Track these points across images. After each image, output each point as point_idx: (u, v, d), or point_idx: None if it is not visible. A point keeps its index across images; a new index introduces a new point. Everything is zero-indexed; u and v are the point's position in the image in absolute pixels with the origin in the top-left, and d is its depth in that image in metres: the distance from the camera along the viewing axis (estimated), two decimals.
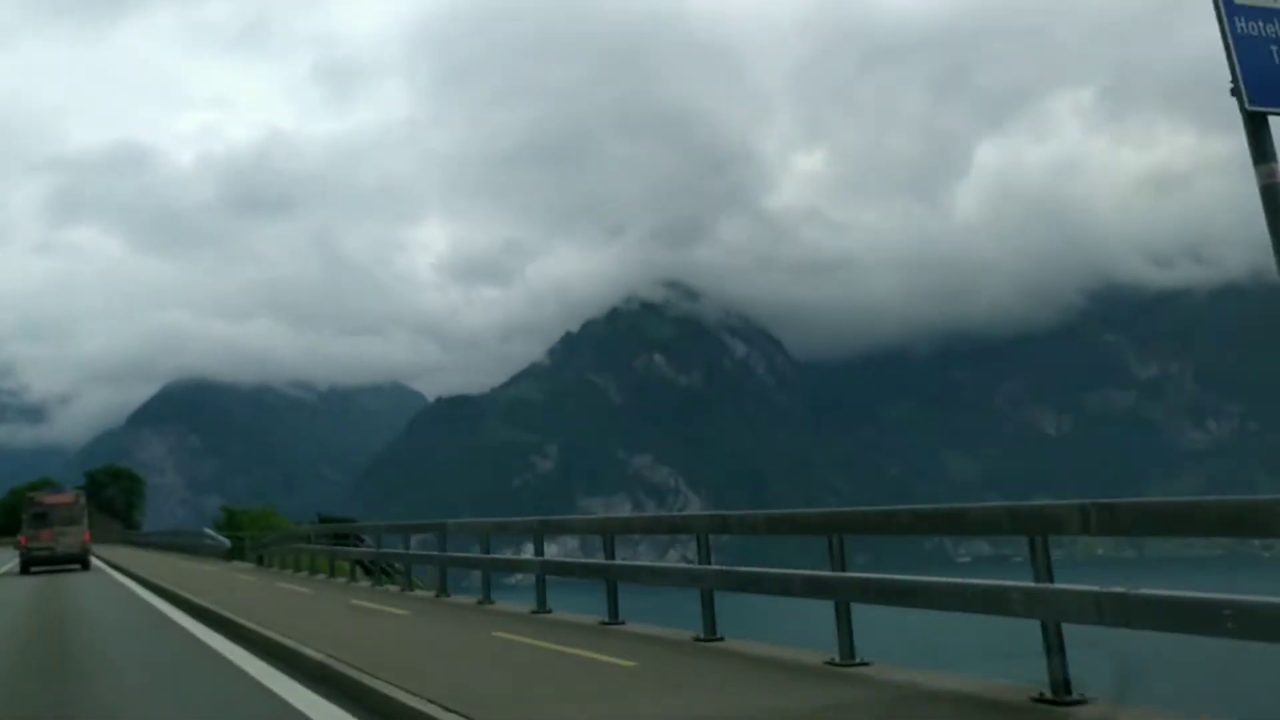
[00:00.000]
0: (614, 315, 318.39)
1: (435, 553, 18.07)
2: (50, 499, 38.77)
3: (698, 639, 10.28)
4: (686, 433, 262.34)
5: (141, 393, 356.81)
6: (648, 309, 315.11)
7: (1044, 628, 6.77)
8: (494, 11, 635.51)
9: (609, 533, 12.96)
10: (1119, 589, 6.27)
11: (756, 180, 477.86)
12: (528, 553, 17.56)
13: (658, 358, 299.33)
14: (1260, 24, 6.42)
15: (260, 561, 32.28)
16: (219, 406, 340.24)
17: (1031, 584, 6.96)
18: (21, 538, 37.04)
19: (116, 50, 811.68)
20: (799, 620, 12.38)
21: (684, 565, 10.75)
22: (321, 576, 24.72)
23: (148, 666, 11.57)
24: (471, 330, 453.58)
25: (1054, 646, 6.74)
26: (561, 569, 15.02)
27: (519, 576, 16.69)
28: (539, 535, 14.62)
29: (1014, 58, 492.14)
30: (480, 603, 15.37)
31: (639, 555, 66.74)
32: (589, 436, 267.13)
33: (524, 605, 14.29)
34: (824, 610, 8.78)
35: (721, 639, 10.21)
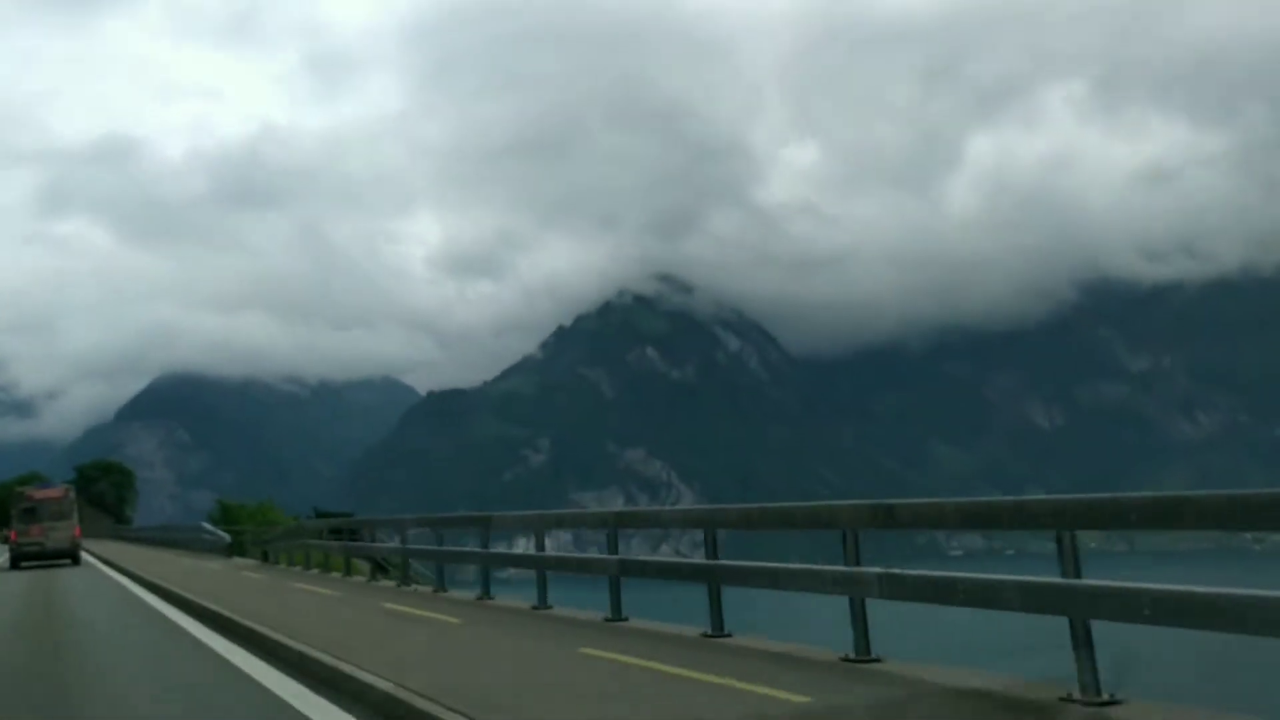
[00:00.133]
0: (606, 309, 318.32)
1: (477, 549, 16.08)
2: (39, 494, 38.44)
3: (847, 658, 8.49)
4: (679, 427, 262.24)
5: (130, 387, 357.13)
6: (640, 303, 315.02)
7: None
8: (485, 3, 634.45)
9: (714, 526, 10.90)
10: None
11: (749, 173, 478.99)
12: (520, 547, 17.37)
13: (650, 351, 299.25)
14: None
15: (265, 558, 30.87)
16: (208, 401, 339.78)
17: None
18: (11, 533, 36.66)
19: (104, 40, 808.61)
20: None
21: (836, 568, 8.88)
22: (336, 575, 23.18)
23: (161, 696, 9.50)
24: (463, 324, 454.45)
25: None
26: (643, 569, 13.09)
27: (511, 570, 16.37)
28: (613, 530, 12.74)
29: (1006, 49, 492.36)
30: (536, 608, 13.40)
31: (632, 550, 66.34)
32: (581, 430, 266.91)
33: (588, 610, 12.65)
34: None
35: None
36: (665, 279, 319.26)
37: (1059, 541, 6.74)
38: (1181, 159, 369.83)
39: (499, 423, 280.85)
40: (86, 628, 15.83)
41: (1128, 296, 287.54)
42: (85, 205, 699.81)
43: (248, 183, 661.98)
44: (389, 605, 15.08)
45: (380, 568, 22.36)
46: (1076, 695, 6.42)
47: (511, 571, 16.43)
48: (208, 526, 42.21)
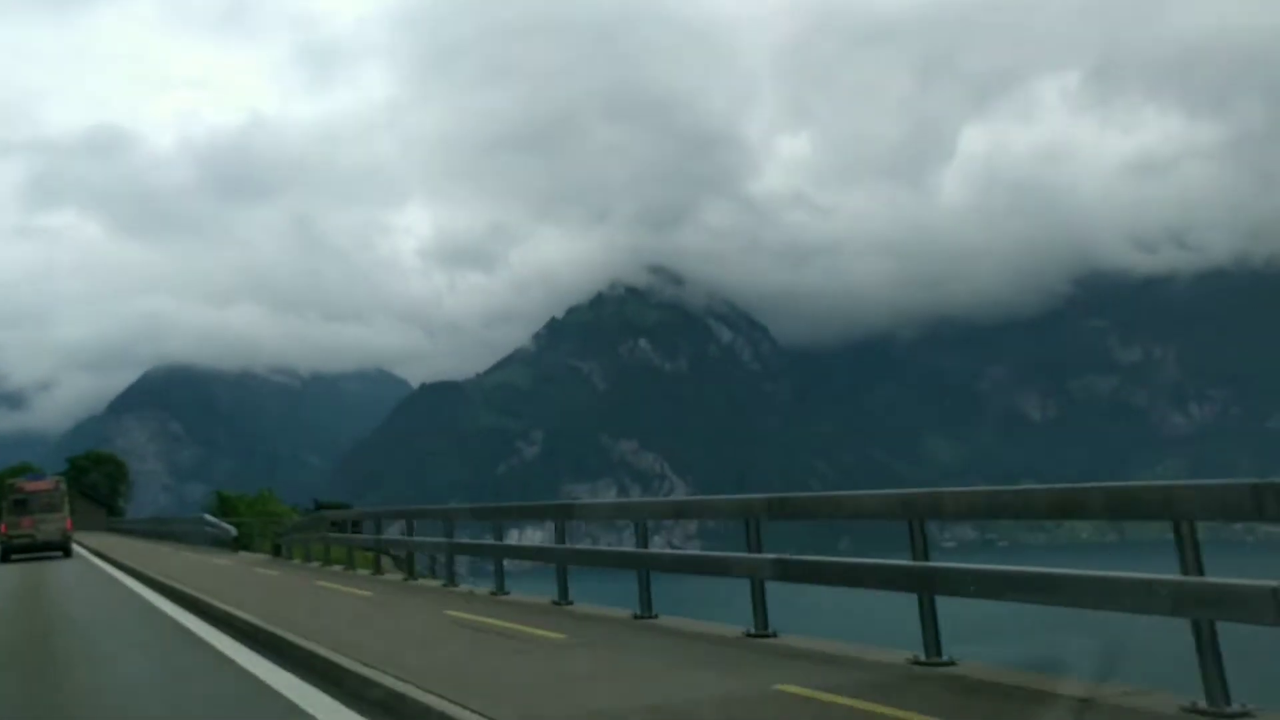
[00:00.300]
0: (599, 301, 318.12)
1: (556, 545, 13.82)
2: (30, 485, 38.35)
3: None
4: (672, 418, 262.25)
5: (122, 379, 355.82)
6: (633, 294, 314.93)
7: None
8: None
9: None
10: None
11: (741, 164, 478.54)
12: (512, 538, 16.67)
13: (643, 343, 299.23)
14: None
15: (278, 552, 28.54)
16: (201, 393, 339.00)
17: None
18: (1, 525, 36.53)
19: (94, 31, 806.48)
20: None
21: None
22: (363, 572, 21.13)
23: None
24: (456, 316, 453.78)
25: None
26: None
27: (509, 564, 15.58)
28: (758, 520, 10.48)
29: (999, 40, 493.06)
30: (639, 616, 11.28)
31: (623, 541, 65.95)
32: (574, 422, 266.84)
33: (714, 621, 10.70)
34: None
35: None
36: (657, 270, 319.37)
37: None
38: (1174, 150, 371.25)
39: (492, 414, 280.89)
40: (90, 648, 12.68)
41: (1120, 288, 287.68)
42: (76, 197, 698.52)
43: (239, 174, 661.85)
44: (454, 613, 12.71)
45: (404, 563, 19.82)
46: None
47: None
48: (211, 518, 39.99)
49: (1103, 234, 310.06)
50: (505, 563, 15.32)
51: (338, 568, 22.53)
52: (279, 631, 11.21)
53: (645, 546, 11.86)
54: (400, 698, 7.58)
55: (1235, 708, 5.86)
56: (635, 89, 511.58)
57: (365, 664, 8.70)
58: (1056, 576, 6.81)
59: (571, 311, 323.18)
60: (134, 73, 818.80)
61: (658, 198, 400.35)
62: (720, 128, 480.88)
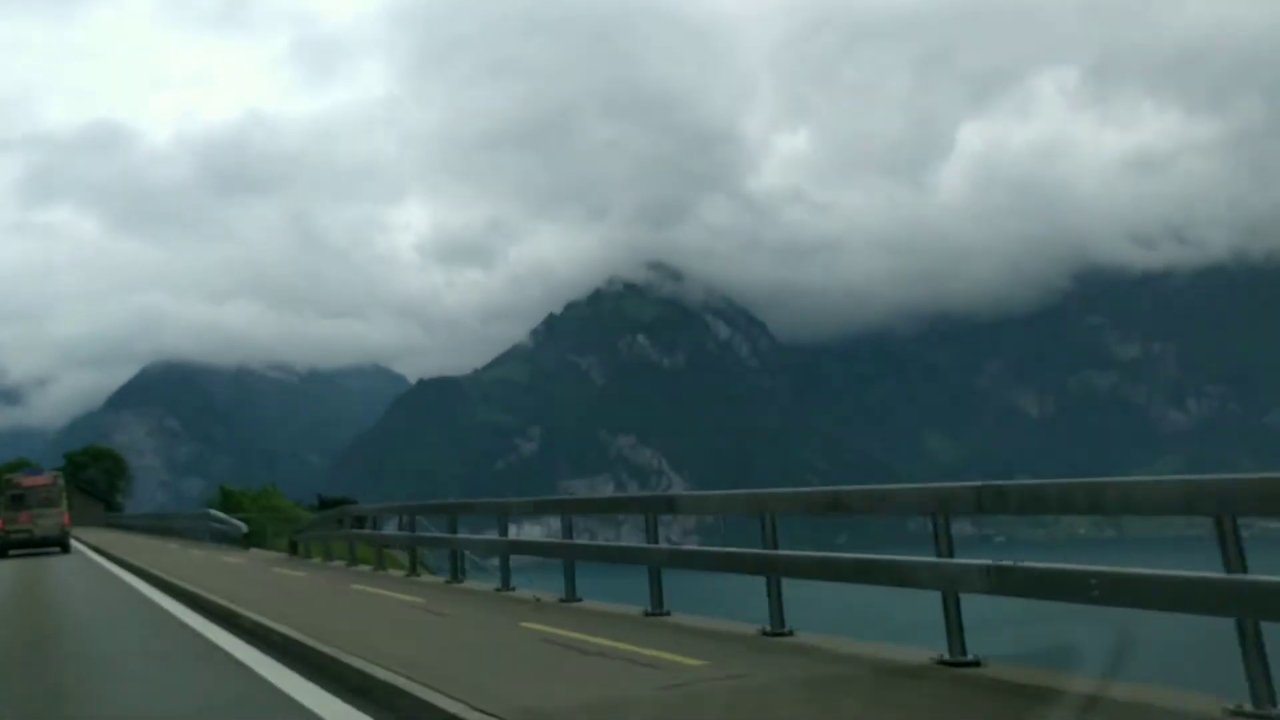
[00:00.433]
0: (597, 296, 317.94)
1: (649, 545, 11.59)
2: (28, 480, 38.18)
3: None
4: (670, 414, 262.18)
5: (120, 375, 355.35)
6: (631, 290, 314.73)
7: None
8: None
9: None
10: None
11: (740, 161, 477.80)
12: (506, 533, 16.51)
13: (641, 339, 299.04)
14: None
15: (294, 550, 26.71)
16: (198, 388, 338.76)
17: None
18: None
19: (92, 27, 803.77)
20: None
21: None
22: (395, 573, 19.56)
23: None
24: (453, 312, 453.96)
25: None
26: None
27: (496, 560, 15.02)
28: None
29: (997, 37, 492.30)
30: (771, 633, 9.40)
31: (623, 536, 66.18)
32: (572, 418, 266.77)
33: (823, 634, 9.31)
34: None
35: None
36: (656, 266, 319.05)
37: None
38: (1172, 146, 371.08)
39: (490, 410, 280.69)
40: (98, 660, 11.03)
41: (1118, 284, 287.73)
42: (73, 193, 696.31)
43: (236, 170, 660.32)
44: (534, 626, 10.74)
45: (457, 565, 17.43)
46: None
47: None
48: (219, 514, 37.97)
49: (1101, 230, 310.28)
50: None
51: (365, 568, 20.94)
52: (350, 661, 8.84)
53: (775, 547, 9.63)
54: None
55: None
56: (634, 85, 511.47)
57: (483, 711, 6.70)
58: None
59: (570, 307, 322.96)
60: (131, 69, 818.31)
61: (656, 194, 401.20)
62: (719, 124, 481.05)
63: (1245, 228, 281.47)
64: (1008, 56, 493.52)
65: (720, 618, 10.53)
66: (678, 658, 8.36)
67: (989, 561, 7.22)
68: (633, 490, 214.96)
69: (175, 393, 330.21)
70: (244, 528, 33.71)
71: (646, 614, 11.10)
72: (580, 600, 12.75)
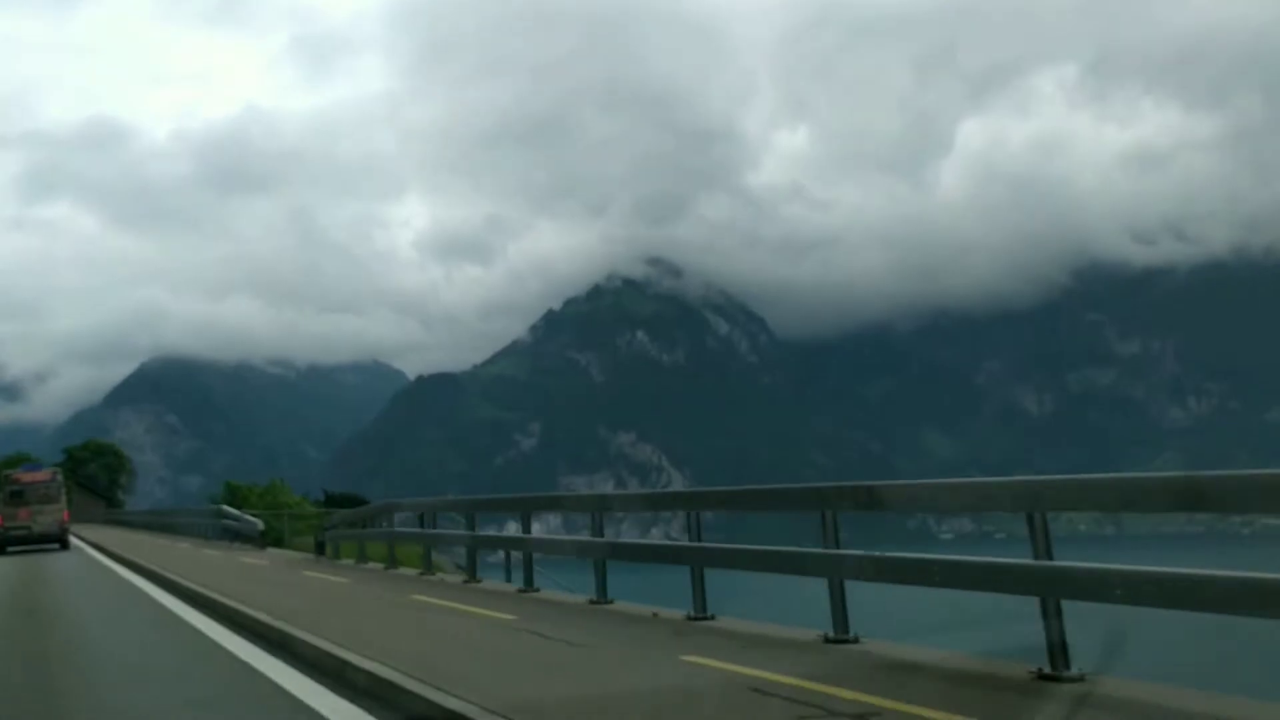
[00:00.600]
0: (596, 292, 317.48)
1: (785, 548, 9.86)
2: (27, 476, 38.04)
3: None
4: (669, 410, 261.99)
5: (119, 371, 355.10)
6: (630, 286, 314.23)
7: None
8: None
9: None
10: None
11: (739, 157, 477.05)
12: (510, 530, 16.06)
13: (640, 335, 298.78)
14: None
15: (321, 550, 24.76)
16: (197, 384, 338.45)
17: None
18: None
19: (90, 23, 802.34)
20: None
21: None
22: (445, 577, 17.64)
23: None
24: (452, 308, 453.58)
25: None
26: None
27: (499, 555, 14.85)
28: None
29: (997, 33, 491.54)
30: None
31: (622, 534, 66.39)
32: (571, 414, 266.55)
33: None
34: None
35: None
36: (655, 262, 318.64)
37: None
38: (1172, 142, 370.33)
39: (489, 407, 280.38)
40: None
41: (1118, 280, 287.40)
42: (72, 189, 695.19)
43: (235, 166, 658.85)
44: (694, 659, 8.22)
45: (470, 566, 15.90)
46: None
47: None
48: (232, 510, 35.68)
49: (1100, 226, 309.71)
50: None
51: (410, 571, 18.87)
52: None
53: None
54: None
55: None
56: (633, 82, 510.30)
57: None
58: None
59: (569, 303, 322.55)
60: (130, 65, 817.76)
61: (656, 190, 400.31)
62: (718, 121, 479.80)
63: (1245, 223, 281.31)
64: (1007, 53, 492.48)
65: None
66: (895, 705, 6.45)
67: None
68: (633, 488, 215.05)
69: (174, 388, 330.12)
70: (260, 525, 31.66)
71: (828, 639, 8.88)
72: (712, 618, 10.65)
